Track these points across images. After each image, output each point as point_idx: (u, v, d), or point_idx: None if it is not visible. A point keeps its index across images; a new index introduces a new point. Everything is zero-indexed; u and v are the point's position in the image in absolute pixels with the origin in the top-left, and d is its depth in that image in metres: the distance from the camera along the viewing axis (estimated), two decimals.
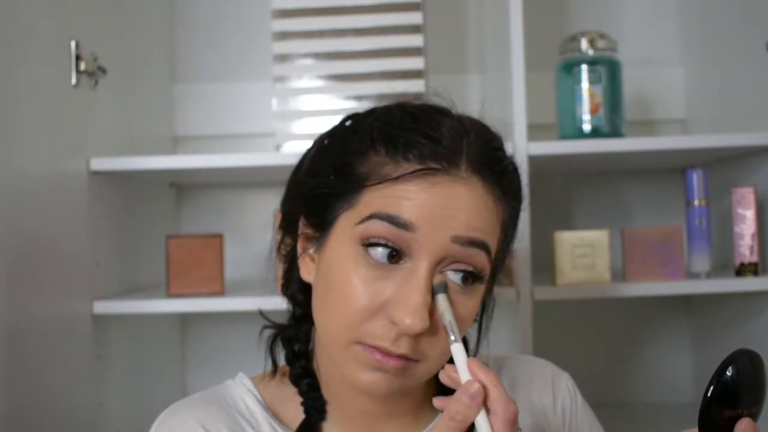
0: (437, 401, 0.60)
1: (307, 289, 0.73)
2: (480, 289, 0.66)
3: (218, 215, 1.60)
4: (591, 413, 0.83)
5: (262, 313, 0.78)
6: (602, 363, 1.59)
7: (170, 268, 1.23)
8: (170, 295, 1.23)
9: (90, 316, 1.18)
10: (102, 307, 1.19)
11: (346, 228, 0.65)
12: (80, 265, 1.16)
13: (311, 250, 0.70)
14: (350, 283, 0.63)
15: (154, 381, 1.46)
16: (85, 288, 1.18)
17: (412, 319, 0.60)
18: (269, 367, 0.77)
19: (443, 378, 0.61)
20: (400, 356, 0.62)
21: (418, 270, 0.62)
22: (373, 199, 0.63)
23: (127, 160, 1.23)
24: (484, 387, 0.57)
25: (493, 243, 0.66)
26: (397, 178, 0.63)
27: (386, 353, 0.62)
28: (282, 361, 0.76)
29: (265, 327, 0.77)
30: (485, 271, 0.65)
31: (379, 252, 0.62)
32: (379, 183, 0.63)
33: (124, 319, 1.29)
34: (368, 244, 0.63)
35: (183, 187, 1.62)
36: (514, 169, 0.70)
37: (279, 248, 0.77)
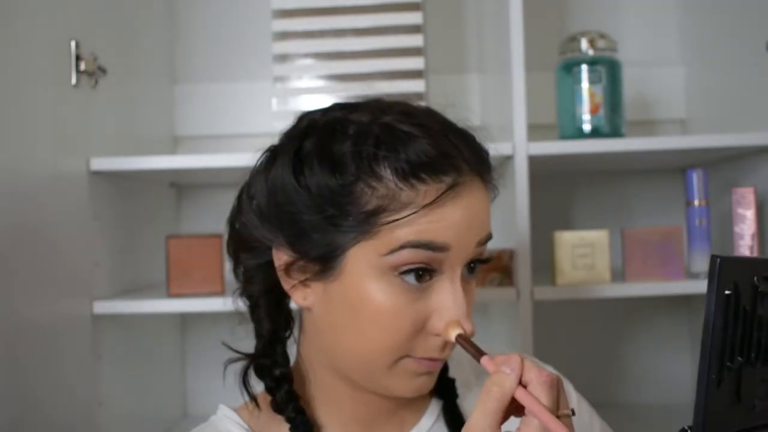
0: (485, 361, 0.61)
1: (275, 313, 0.73)
2: (480, 266, 0.69)
3: (218, 215, 1.58)
4: (589, 406, 0.84)
5: (227, 345, 0.74)
6: (602, 363, 1.59)
7: (170, 268, 1.23)
8: (170, 295, 1.23)
9: (90, 316, 1.18)
10: (102, 307, 1.19)
11: (365, 259, 0.63)
12: (80, 265, 1.16)
13: (307, 279, 0.67)
14: (390, 311, 0.63)
15: (154, 381, 1.46)
16: (85, 288, 1.18)
17: (465, 325, 0.63)
18: (244, 397, 0.74)
19: None
20: (443, 359, 0.67)
21: (454, 282, 0.64)
22: (397, 228, 0.62)
23: (127, 160, 1.23)
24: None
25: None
26: (423, 206, 0.62)
27: (434, 360, 0.66)
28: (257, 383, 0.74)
29: (233, 360, 0.73)
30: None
31: (410, 276, 0.63)
32: (409, 215, 0.62)
33: (124, 319, 1.29)
34: (402, 272, 0.63)
35: (183, 187, 1.62)
36: (488, 153, 0.70)
37: (235, 272, 0.74)
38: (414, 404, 0.75)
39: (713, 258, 0.51)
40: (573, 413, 0.58)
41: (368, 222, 0.62)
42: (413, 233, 0.62)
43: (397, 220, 0.62)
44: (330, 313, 0.66)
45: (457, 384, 0.77)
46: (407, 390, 0.67)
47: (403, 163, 0.62)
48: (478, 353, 0.61)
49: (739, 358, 0.53)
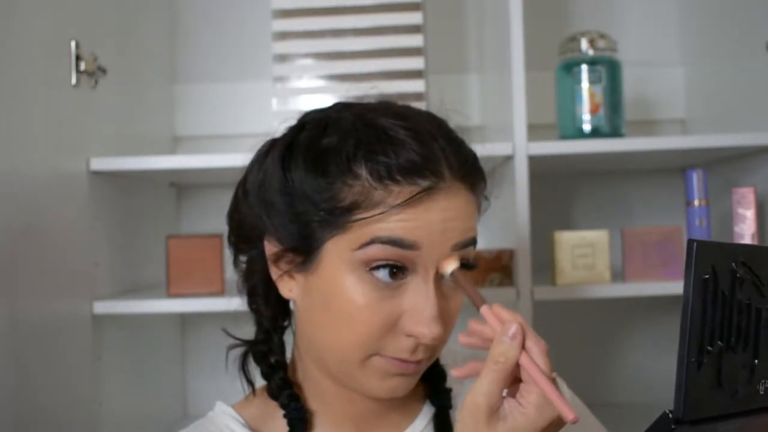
0: (456, 371, 0.63)
1: (274, 302, 0.74)
2: (468, 274, 0.68)
3: (218, 215, 1.58)
4: (583, 405, 0.84)
5: (226, 331, 0.76)
6: (602, 363, 1.59)
7: (170, 268, 1.23)
8: (170, 295, 1.23)
9: (90, 316, 1.18)
10: (102, 307, 1.19)
11: (339, 253, 0.64)
12: (80, 265, 1.16)
13: (291, 270, 0.68)
14: (360, 306, 0.63)
15: (154, 381, 1.46)
16: (85, 288, 1.18)
17: (430, 329, 0.63)
18: (244, 387, 0.76)
19: (462, 339, 0.63)
20: (418, 361, 0.66)
21: (427, 283, 0.64)
22: (369, 225, 0.63)
23: (127, 160, 1.23)
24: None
25: (476, 232, 0.68)
26: (392, 207, 0.63)
27: (405, 361, 0.65)
28: (256, 378, 0.76)
29: (232, 346, 0.76)
30: (473, 258, 0.68)
31: (383, 272, 0.63)
32: (378, 214, 0.62)
33: (124, 319, 1.29)
34: (372, 267, 0.63)
35: (183, 187, 1.61)
36: (476, 157, 0.70)
37: (235, 263, 0.76)
38: (407, 407, 0.75)
39: (690, 242, 0.51)
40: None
41: (342, 217, 0.63)
42: (383, 230, 0.62)
43: (366, 217, 0.63)
44: (309, 305, 0.68)
45: (453, 395, 0.77)
46: (380, 390, 0.67)
47: (379, 164, 0.63)
48: (477, 297, 0.62)
49: (719, 343, 0.53)
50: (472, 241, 0.67)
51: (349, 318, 0.64)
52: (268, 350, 0.74)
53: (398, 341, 0.65)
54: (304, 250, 0.66)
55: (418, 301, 0.64)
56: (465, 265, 0.67)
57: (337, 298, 0.64)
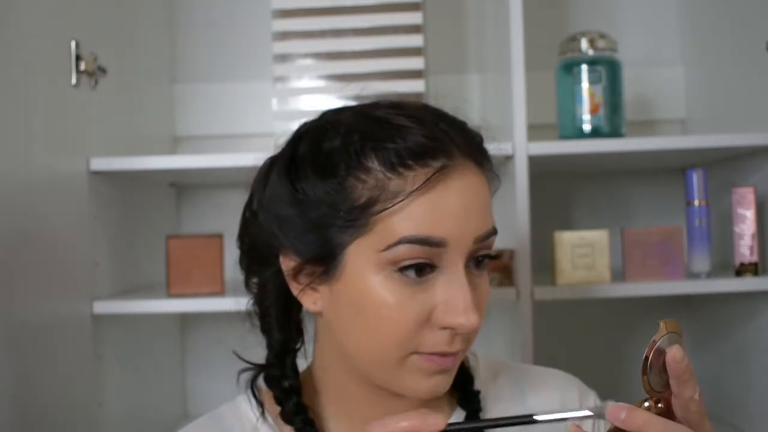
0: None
1: (287, 324, 0.73)
2: (489, 262, 0.68)
3: (218, 215, 1.59)
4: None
5: (238, 355, 0.74)
6: (602, 363, 1.59)
7: (170, 268, 1.23)
8: (170, 295, 1.23)
9: (90, 316, 1.18)
10: (102, 307, 1.19)
11: (363, 255, 0.63)
12: (80, 265, 1.16)
13: (313, 282, 0.67)
14: (392, 306, 0.62)
15: (154, 381, 1.46)
16: (84, 288, 1.18)
17: (468, 319, 0.62)
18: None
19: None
20: (455, 353, 0.65)
21: (457, 273, 0.63)
22: (392, 220, 0.62)
23: (127, 160, 1.23)
24: None
25: (493, 218, 0.68)
26: (411, 192, 0.62)
27: (444, 355, 0.65)
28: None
29: (244, 370, 0.74)
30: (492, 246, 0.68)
31: (410, 271, 0.63)
32: (398, 202, 0.62)
33: (124, 319, 1.29)
34: (401, 267, 0.62)
35: (183, 187, 1.61)
36: (482, 138, 0.70)
37: (247, 286, 0.74)
38: (435, 411, 0.74)
39: None
40: None
41: (362, 216, 0.62)
42: (410, 228, 0.61)
43: (387, 209, 0.61)
44: (337, 314, 0.66)
45: (482, 396, 0.76)
46: (422, 389, 0.65)
47: (389, 152, 0.62)
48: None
49: None
50: (493, 231, 0.66)
51: (381, 319, 0.63)
52: (281, 374, 0.72)
53: (434, 335, 0.63)
54: (324, 259, 0.65)
55: (451, 293, 0.63)
56: (489, 256, 0.67)
57: (367, 301, 0.63)
